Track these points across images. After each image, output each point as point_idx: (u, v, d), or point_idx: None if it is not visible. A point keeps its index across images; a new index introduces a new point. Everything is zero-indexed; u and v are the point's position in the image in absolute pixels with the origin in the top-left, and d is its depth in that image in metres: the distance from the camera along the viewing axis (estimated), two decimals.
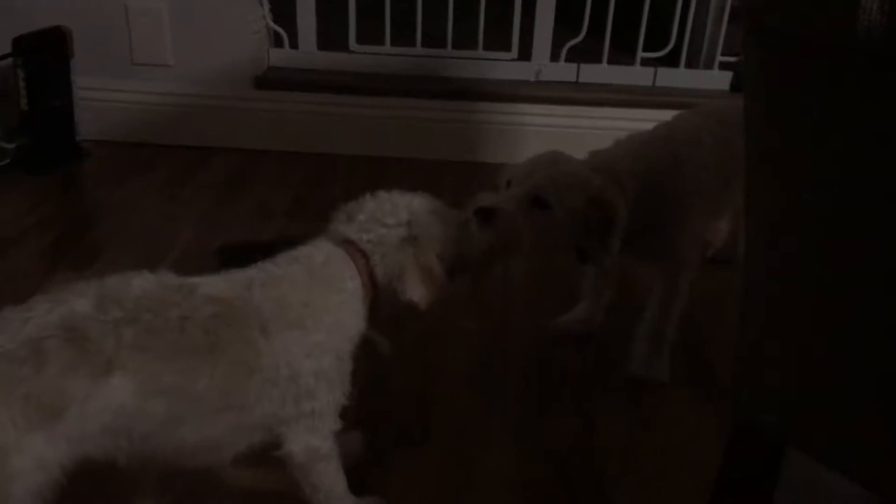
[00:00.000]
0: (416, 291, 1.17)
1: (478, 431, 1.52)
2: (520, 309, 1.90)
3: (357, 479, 1.24)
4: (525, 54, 2.65)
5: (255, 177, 2.47)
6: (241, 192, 2.37)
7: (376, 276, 1.18)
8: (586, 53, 2.65)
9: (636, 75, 2.66)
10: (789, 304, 0.95)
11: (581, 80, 2.67)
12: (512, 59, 2.66)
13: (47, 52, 2.38)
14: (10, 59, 2.32)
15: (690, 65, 2.70)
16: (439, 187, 2.18)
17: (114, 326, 0.96)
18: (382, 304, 1.20)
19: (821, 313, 0.90)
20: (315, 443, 1.13)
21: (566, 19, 2.63)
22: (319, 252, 1.17)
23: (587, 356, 1.76)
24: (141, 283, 1.03)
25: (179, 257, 1.98)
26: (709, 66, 2.69)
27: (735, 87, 2.62)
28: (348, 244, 1.18)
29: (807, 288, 0.92)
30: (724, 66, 2.65)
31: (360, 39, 2.64)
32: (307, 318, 1.09)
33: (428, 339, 1.75)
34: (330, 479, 1.17)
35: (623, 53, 2.67)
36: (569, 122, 2.57)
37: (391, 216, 1.18)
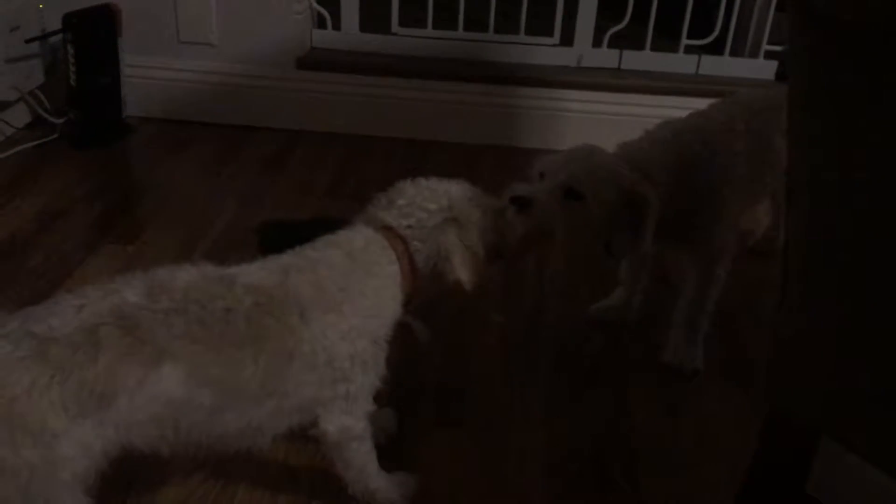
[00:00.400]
0: (462, 272, 1.18)
1: (510, 414, 1.53)
2: (554, 295, 1.90)
3: (388, 456, 1.26)
4: (567, 40, 2.63)
5: (296, 156, 2.50)
6: (281, 171, 2.40)
7: (416, 262, 1.19)
8: (629, 39, 2.63)
9: (679, 63, 2.63)
10: (828, 293, 0.94)
11: (623, 66, 2.64)
12: (554, 45, 2.64)
13: (96, 29, 2.42)
14: (60, 36, 2.37)
15: (735, 53, 2.66)
16: (478, 172, 2.20)
17: (164, 316, 0.98)
18: (421, 289, 1.21)
19: (860, 302, 0.90)
20: (349, 423, 1.14)
21: (609, 5, 2.60)
22: (359, 237, 1.18)
23: (621, 343, 1.76)
24: (185, 274, 1.04)
25: (221, 233, 2.02)
26: (754, 54, 2.65)
27: (781, 76, 2.58)
28: (387, 230, 1.19)
29: (846, 277, 0.91)
30: (769, 55, 2.60)
31: (403, 22, 2.64)
32: (344, 302, 1.11)
33: (461, 323, 1.76)
34: (362, 457, 1.19)
35: (666, 40, 2.64)
36: (610, 109, 2.56)
37: (431, 201, 1.20)
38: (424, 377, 1.59)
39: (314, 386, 1.10)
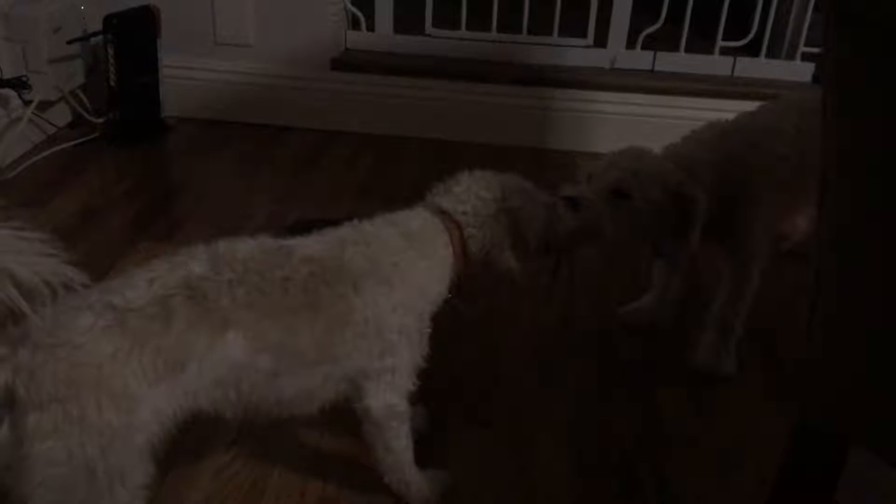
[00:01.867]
0: (512, 261, 1.23)
1: (539, 414, 1.54)
2: (585, 296, 1.90)
3: (419, 454, 1.28)
4: (601, 41, 2.63)
5: (330, 156, 2.52)
6: (315, 171, 2.42)
7: (469, 247, 1.23)
8: (663, 41, 2.61)
9: (714, 64, 2.62)
10: (860, 301, 0.93)
11: (657, 68, 2.63)
12: (587, 46, 2.64)
13: (136, 30, 2.47)
14: (100, 37, 2.42)
15: (771, 55, 2.64)
16: (511, 173, 2.18)
17: (228, 286, 1.03)
18: (471, 274, 1.25)
19: (892, 311, 0.89)
20: (393, 400, 1.18)
21: (644, 6, 2.59)
22: (416, 218, 1.23)
23: (652, 346, 1.75)
24: (245, 247, 1.09)
25: (255, 231, 2.02)
26: (791, 56, 2.62)
27: (817, 78, 2.55)
28: (444, 214, 1.23)
29: (878, 285, 0.90)
30: (806, 57, 2.58)
31: (437, 23, 2.66)
32: (395, 276, 1.15)
33: (490, 323, 1.77)
34: (402, 441, 1.22)
35: (702, 42, 2.63)
36: (643, 111, 2.55)
37: (486, 191, 1.24)
38: (455, 376, 1.60)
39: (364, 355, 1.14)
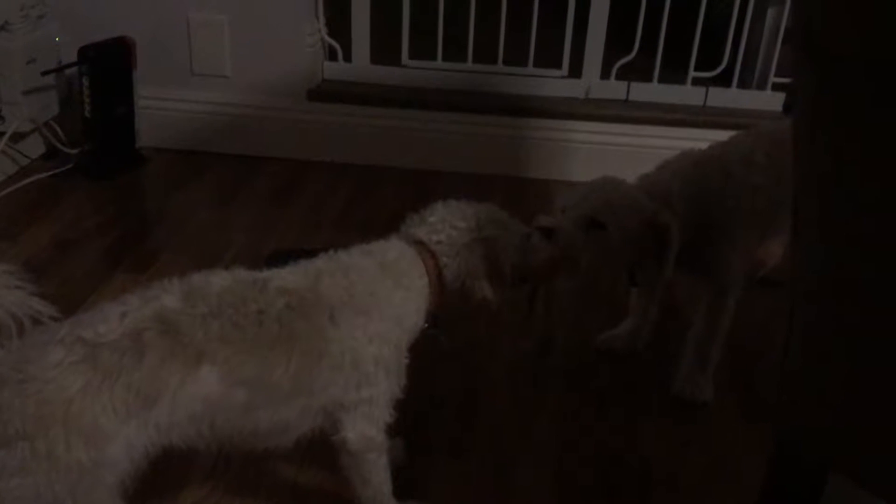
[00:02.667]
0: (488, 290, 1.23)
1: (519, 443, 1.53)
2: (564, 324, 1.91)
3: (398, 486, 1.27)
4: (575, 71, 2.66)
5: (307, 186, 2.52)
6: (292, 201, 2.42)
7: (445, 277, 1.23)
8: (637, 71, 2.65)
9: (687, 94, 2.66)
10: (834, 327, 0.94)
11: (631, 98, 2.67)
12: (562, 77, 2.67)
13: (111, 61, 2.46)
14: (75, 68, 2.41)
15: (743, 85, 2.68)
16: (487, 203, 2.18)
17: (202, 320, 1.02)
18: (447, 303, 1.25)
19: (867, 340, 0.90)
20: (370, 432, 1.17)
21: (617, 37, 2.63)
22: (392, 248, 1.23)
23: (631, 373, 1.76)
24: (219, 280, 1.09)
25: (231, 262, 2.02)
26: (761, 86, 2.67)
27: (788, 108, 2.60)
28: (419, 245, 1.24)
29: (854, 314, 0.91)
30: (777, 87, 2.62)
31: (413, 54, 2.68)
32: (372, 307, 1.14)
33: (471, 352, 1.76)
34: (380, 473, 1.21)
35: (674, 72, 2.67)
36: (618, 140, 2.57)
37: (461, 220, 1.25)
38: (433, 406, 1.59)
39: (340, 387, 1.13)
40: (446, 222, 1.24)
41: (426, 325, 1.25)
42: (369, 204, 2.42)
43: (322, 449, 1.20)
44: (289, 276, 1.13)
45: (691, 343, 1.65)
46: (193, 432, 1.04)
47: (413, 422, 1.51)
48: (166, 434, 1.01)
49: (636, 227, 1.47)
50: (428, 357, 1.25)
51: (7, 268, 0.90)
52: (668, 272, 1.48)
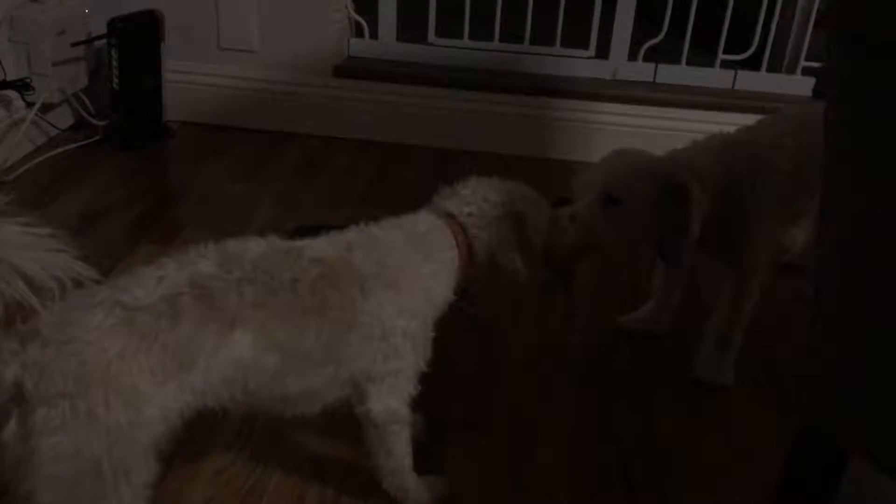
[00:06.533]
0: (518, 262, 1.24)
1: (538, 423, 1.54)
2: (585, 306, 1.91)
3: (418, 461, 1.28)
4: (603, 53, 2.64)
5: (331, 163, 2.53)
6: (316, 177, 2.43)
7: (474, 249, 1.24)
8: (665, 53, 2.63)
9: (715, 77, 2.63)
10: (859, 313, 0.94)
11: (658, 80, 2.64)
12: (589, 57, 2.65)
13: (140, 34, 2.47)
14: (104, 40, 2.42)
15: (772, 69, 2.65)
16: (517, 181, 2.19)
17: (237, 285, 1.03)
18: (476, 276, 1.26)
19: (891, 322, 0.90)
20: (394, 405, 1.18)
21: (646, 19, 2.61)
22: (422, 221, 1.24)
23: (651, 356, 1.76)
24: (255, 246, 1.10)
25: (255, 236, 2.05)
26: (791, 70, 2.63)
27: (817, 92, 2.57)
28: (450, 217, 1.25)
29: (880, 296, 0.91)
30: (806, 72, 2.59)
31: (439, 32, 2.67)
32: (402, 280, 1.16)
33: (492, 331, 1.77)
34: (402, 446, 1.23)
35: (703, 55, 2.64)
36: (644, 123, 2.56)
37: (493, 194, 1.26)
38: (454, 384, 1.61)
39: (368, 358, 1.14)
40: (478, 195, 1.26)
41: (456, 297, 1.26)
42: (393, 182, 2.43)
43: (343, 422, 1.22)
44: (322, 247, 1.15)
45: (713, 327, 1.65)
46: (227, 395, 1.06)
47: (434, 398, 1.52)
48: (201, 397, 1.03)
49: (653, 192, 1.44)
50: (449, 335, 1.26)
51: (49, 231, 0.91)
52: (695, 233, 1.44)
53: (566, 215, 1.40)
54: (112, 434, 0.94)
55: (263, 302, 1.04)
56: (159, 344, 0.97)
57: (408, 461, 1.25)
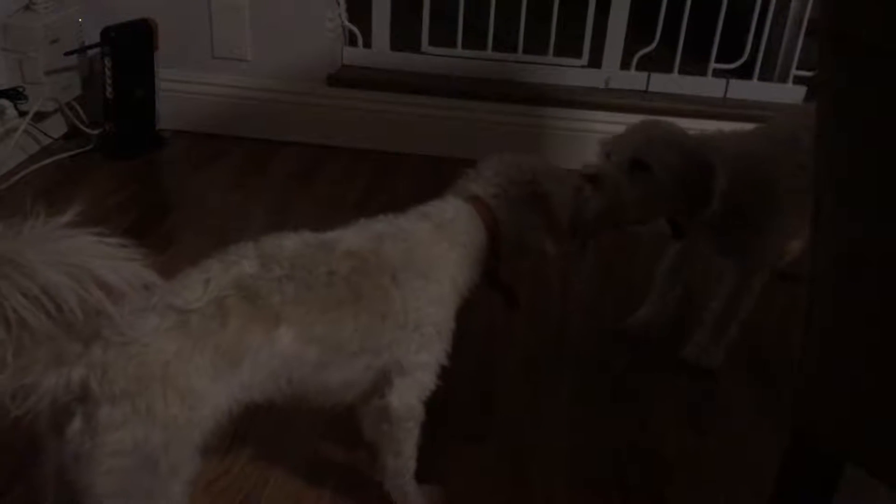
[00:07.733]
0: (546, 241, 1.26)
1: (536, 429, 1.54)
2: (579, 310, 1.91)
3: (416, 468, 1.28)
4: (595, 61, 2.65)
5: (325, 172, 2.53)
6: (310, 186, 2.43)
7: (501, 230, 1.25)
8: (657, 62, 2.64)
9: (707, 86, 2.64)
10: (856, 321, 0.94)
11: (651, 88, 2.66)
12: (582, 66, 2.66)
13: (133, 43, 2.47)
14: (98, 49, 2.42)
15: (764, 77, 2.66)
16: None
17: (278, 284, 1.06)
18: (504, 257, 1.27)
19: (890, 329, 0.90)
20: (413, 401, 1.20)
21: (639, 28, 2.62)
22: (449, 208, 1.25)
23: (649, 361, 1.76)
24: (290, 243, 1.13)
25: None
26: (783, 79, 2.65)
27: (809, 101, 2.58)
28: (475, 199, 1.26)
29: (874, 304, 0.91)
30: (798, 80, 2.61)
31: (433, 41, 2.67)
32: (430, 270, 1.18)
33: (489, 340, 1.77)
34: (411, 446, 1.24)
35: (695, 64, 2.65)
36: None
37: (517, 173, 1.27)
38: (451, 391, 1.60)
39: (403, 348, 1.16)
40: (502, 175, 1.27)
41: (488, 279, 1.27)
42: (387, 189, 2.43)
43: (338, 429, 1.22)
44: (353, 239, 1.17)
45: (710, 315, 1.66)
46: (273, 389, 1.09)
47: (431, 406, 1.52)
48: (248, 392, 1.07)
49: (680, 163, 1.46)
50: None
51: (122, 241, 0.96)
52: (714, 205, 1.46)
53: (591, 174, 1.41)
54: (169, 431, 0.98)
55: (302, 297, 1.07)
56: (211, 345, 1.01)
57: (412, 464, 1.26)
